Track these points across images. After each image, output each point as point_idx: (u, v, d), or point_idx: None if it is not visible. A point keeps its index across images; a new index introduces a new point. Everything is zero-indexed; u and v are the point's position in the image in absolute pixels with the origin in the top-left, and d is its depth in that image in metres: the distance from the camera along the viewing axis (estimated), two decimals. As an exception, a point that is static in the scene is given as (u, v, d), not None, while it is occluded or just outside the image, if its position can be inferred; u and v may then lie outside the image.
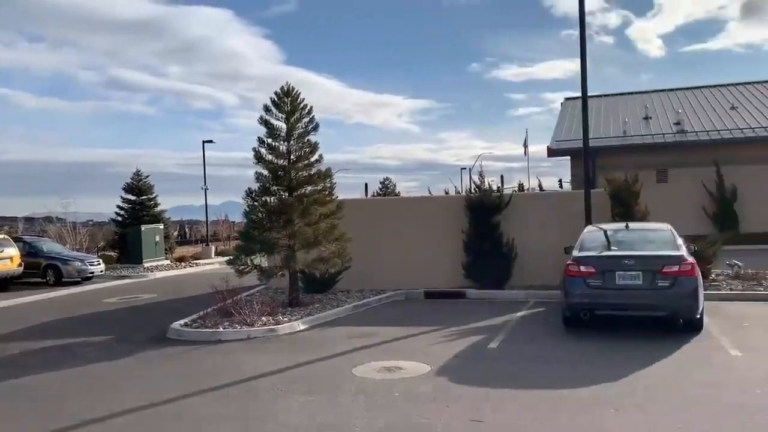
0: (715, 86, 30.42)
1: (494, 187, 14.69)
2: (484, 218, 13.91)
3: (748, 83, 29.92)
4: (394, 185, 47.21)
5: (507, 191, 15.52)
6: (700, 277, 9.17)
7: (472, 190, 14.61)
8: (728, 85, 30.18)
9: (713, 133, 23.56)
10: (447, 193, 18.48)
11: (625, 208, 13.36)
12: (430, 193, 19.26)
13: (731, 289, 12.36)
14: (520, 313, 11.26)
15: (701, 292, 9.01)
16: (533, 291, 13.07)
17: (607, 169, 18.56)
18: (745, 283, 12.87)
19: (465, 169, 46.49)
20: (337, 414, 6.05)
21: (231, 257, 12.25)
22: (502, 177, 29.89)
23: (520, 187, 27.92)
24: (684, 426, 5.34)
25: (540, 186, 28.65)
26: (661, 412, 5.69)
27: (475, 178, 15.09)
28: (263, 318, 10.67)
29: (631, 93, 32.02)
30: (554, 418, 5.70)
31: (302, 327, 10.56)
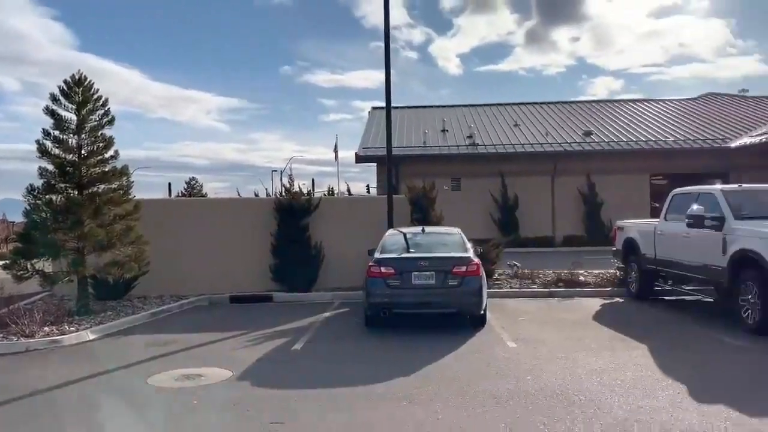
0: (502, 104, 33.99)
1: (305, 191, 14.84)
2: (293, 221, 13.99)
3: (529, 103, 33.94)
4: (201, 186, 45.39)
5: (318, 195, 15.78)
6: (485, 277, 10.18)
7: (282, 193, 14.61)
8: (513, 104, 33.91)
9: (499, 147, 26.21)
10: (257, 195, 18.27)
11: (423, 213, 14.30)
12: (239, 194, 18.87)
13: (511, 287, 13.81)
14: (325, 315, 11.51)
15: (485, 290, 9.99)
16: (340, 292, 13.43)
17: (410, 177, 19.69)
18: (522, 281, 14.46)
19: (276, 171, 46.36)
20: (128, 427, 5.70)
21: (7, 261, 10.95)
22: (313, 180, 30.30)
23: (330, 191, 28.50)
24: (466, 414, 5.88)
25: (348, 191, 29.61)
26: (447, 403, 6.20)
27: (286, 180, 15.14)
28: (46, 328, 9.68)
29: (432, 106, 34.59)
30: (352, 414, 5.94)
31: (92, 336, 9.75)
